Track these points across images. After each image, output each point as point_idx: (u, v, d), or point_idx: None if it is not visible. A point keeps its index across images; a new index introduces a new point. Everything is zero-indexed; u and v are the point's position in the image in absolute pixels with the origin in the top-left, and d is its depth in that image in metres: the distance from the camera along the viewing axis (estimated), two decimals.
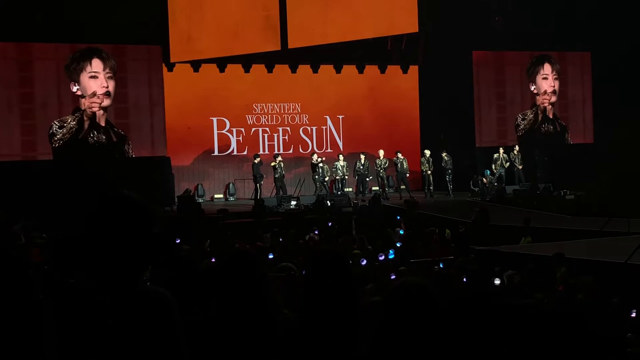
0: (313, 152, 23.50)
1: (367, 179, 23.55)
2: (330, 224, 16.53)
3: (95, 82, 21.09)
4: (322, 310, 2.97)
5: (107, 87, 21.13)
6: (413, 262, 11.70)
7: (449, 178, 23.61)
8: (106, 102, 21.26)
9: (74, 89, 20.95)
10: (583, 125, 27.58)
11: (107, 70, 21.18)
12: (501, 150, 24.37)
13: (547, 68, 26.90)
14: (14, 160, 20.27)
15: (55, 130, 20.73)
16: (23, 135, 20.60)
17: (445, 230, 15.01)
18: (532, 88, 26.83)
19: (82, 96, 21.05)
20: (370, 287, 7.81)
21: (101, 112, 21.27)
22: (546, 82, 26.90)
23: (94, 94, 20.91)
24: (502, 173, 24.11)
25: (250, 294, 3.12)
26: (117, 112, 21.64)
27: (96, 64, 21.09)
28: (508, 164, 24.26)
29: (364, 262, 11.05)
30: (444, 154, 23.57)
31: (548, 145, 26.50)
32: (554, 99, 27.07)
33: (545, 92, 26.87)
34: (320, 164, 22.70)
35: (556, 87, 27.02)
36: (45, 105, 20.70)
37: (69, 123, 20.83)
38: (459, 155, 24.05)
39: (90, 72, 21.03)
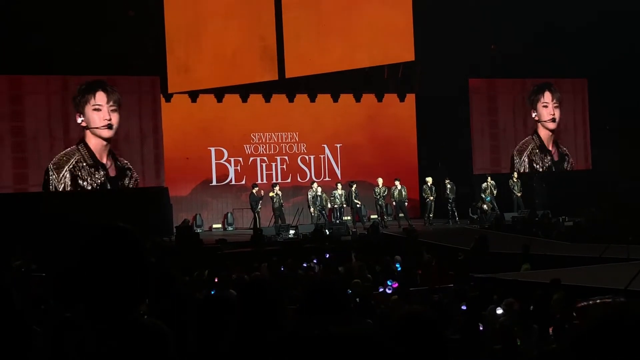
0: (313, 182, 23.39)
1: (358, 207, 23.37)
2: (327, 255, 16.40)
3: (98, 115, 21.21)
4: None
5: (110, 119, 21.26)
6: (412, 290, 11.67)
7: (451, 206, 23.60)
8: (107, 134, 21.34)
9: (79, 120, 21.08)
10: (580, 152, 27.61)
11: (111, 103, 21.33)
12: (489, 179, 24.32)
13: (547, 96, 26.99)
14: (6, 192, 20.32)
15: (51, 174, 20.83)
16: (14, 167, 20.65)
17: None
18: (534, 115, 26.93)
19: (87, 127, 21.18)
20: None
21: (103, 144, 21.35)
22: (546, 110, 26.99)
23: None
24: (493, 201, 24.04)
25: (266, 322, 3.10)
26: (114, 142, 21.70)
27: (100, 97, 21.25)
28: (496, 191, 24.19)
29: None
30: (447, 182, 23.58)
31: (547, 172, 26.56)
32: (553, 126, 27.13)
33: (546, 120, 26.98)
34: (319, 193, 22.68)
35: (556, 116, 27.10)
36: (35, 139, 20.79)
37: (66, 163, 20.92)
38: (456, 183, 24.05)
39: (94, 105, 21.18)
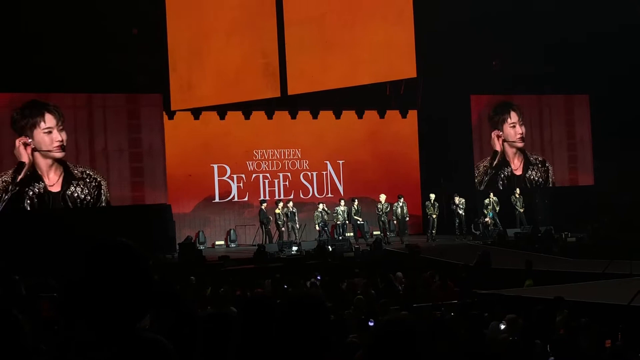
0: (320, 202, 23.40)
1: (360, 223, 23.39)
2: (319, 277, 15.93)
3: (49, 137, 20.92)
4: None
5: (62, 140, 21.04)
6: (415, 306, 11.65)
7: (459, 221, 23.63)
8: (59, 154, 21.08)
9: (29, 142, 20.71)
10: (582, 167, 27.60)
11: (60, 124, 21.01)
12: (491, 194, 24.33)
13: (513, 116, 26.74)
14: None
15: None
16: None
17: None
18: (499, 134, 26.67)
19: (36, 150, 20.85)
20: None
21: (49, 163, 21.07)
22: (514, 129, 26.77)
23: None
24: (496, 217, 24.03)
25: (267, 340, 3.10)
26: (119, 159, 21.75)
27: (49, 119, 20.91)
28: (499, 207, 24.19)
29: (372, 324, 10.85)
30: (456, 198, 23.60)
31: (549, 188, 26.58)
32: (521, 144, 26.90)
33: (514, 140, 26.79)
34: (321, 209, 22.72)
35: (524, 133, 26.91)
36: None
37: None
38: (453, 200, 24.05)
39: (44, 129, 20.86)
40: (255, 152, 24.87)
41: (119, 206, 21.66)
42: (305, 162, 25.36)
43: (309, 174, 25.42)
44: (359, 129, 25.97)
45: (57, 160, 21.16)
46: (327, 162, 25.59)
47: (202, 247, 22.53)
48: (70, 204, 21.17)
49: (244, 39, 24.03)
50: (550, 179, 27.29)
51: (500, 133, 26.63)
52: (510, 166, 26.70)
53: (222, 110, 24.29)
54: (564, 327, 8.69)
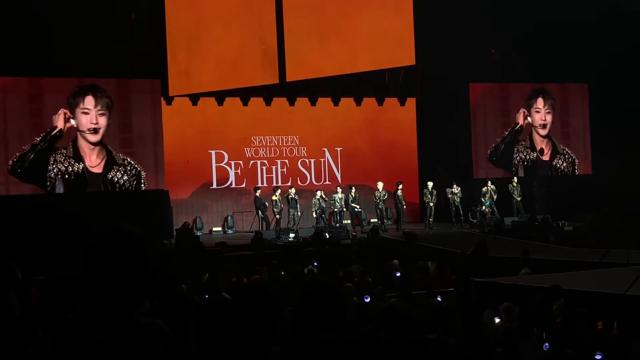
0: (318, 189, 23.38)
1: (357, 210, 23.39)
2: (315, 264, 15.95)
3: (85, 118, 21.24)
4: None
5: (97, 123, 21.29)
6: (412, 293, 11.67)
7: (455, 209, 23.69)
8: (93, 138, 21.35)
9: (73, 122, 21.13)
10: (581, 157, 27.63)
11: (99, 107, 21.31)
12: (489, 183, 24.37)
13: (540, 102, 27.03)
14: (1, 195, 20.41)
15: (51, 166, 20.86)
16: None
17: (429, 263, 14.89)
18: (529, 119, 26.97)
19: (78, 129, 21.23)
20: None
21: (90, 147, 21.39)
22: (538, 115, 27.02)
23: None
24: (493, 205, 24.07)
25: (265, 329, 3.10)
26: (115, 144, 21.74)
27: (89, 101, 21.25)
28: (496, 196, 24.24)
29: (368, 299, 10.87)
30: (454, 187, 23.65)
31: (547, 177, 26.60)
32: (544, 132, 27.12)
33: (537, 125, 27.03)
34: (319, 197, 22.72)
35: (548, 121, 27.09)
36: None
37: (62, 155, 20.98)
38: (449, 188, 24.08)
39: (82, 109, 21.22)
40: (253, 138, 24.84)
41: (116, 191, 21.65)
42: (303, 149, 25.35)
43: (307, 161, 25.41)
44: (357, 117, 25.95)
45: (99, 144, 21.54)
46: (325, 149, 25.58)
47: (199, 234, 22.54)
48: (109, 187, 21.58)
49: (243, 26, 23.98)
50: (576, 170, 27.43)
51: (527, 113, 26.90)
52: (536, 152, 26.92)
53: (220, 97, 24.25)
54: (560, 316, 8.72)
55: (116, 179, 21.67)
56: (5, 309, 3.13)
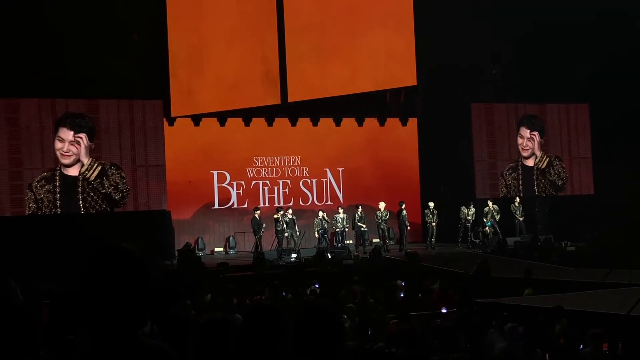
0: (319, 209, 23.37)
1: (363, 230, 23.37)
2: (317, 285, 15.93)
3: (59, 145, 21.22)
4: None
5: (68, 151, 21.26)
6: (414, 314, 11.62)
7: (464, 229, 23.72)
8: (67, 161, 21.28)
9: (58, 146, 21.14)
10: (583, 176, 27.58)
11: (74, 137, 21.27)
12: (490, 203, 24.33)
13: (523, 131, 26.91)
14: (4, 215, 20.39)
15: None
16: (12, 193, 20.70)
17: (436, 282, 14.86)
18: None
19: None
20: None
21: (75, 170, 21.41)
22: (522, 142, 26.94)
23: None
24: (495, 225, 24.02)
25: (269, 350, 3.08)
26: (120, 165, 21.78)
27: (63, 132, 21.19)
28: (499, 215, 24.20)
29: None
30: (472, 207, 23.71)
31: (549, 197, 26.57)
32: (530, 163, 27.05)
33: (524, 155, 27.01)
34: (321, 217, 22.70)
35: (530, 147, 26.97)
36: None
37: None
38: (459, 207, 24.05)
39: (58, 137, 21.21)
40: (255, 159, 24.86)
41: (119, 212, 21.65)
42: (305, 169, 25.35)
43: (309, 181, 25.41)
44: (359, 137, 25.97)
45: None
46: (327, 169, 25.58)
47: (201, 254, 22.47)
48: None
49: (245, 46, 24.07)
50: (566, 186, 27.37)
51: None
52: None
53: (222, 117, 24.29)
54: (563, 337, 8.67)
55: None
56: (6, 301, 3.11)
